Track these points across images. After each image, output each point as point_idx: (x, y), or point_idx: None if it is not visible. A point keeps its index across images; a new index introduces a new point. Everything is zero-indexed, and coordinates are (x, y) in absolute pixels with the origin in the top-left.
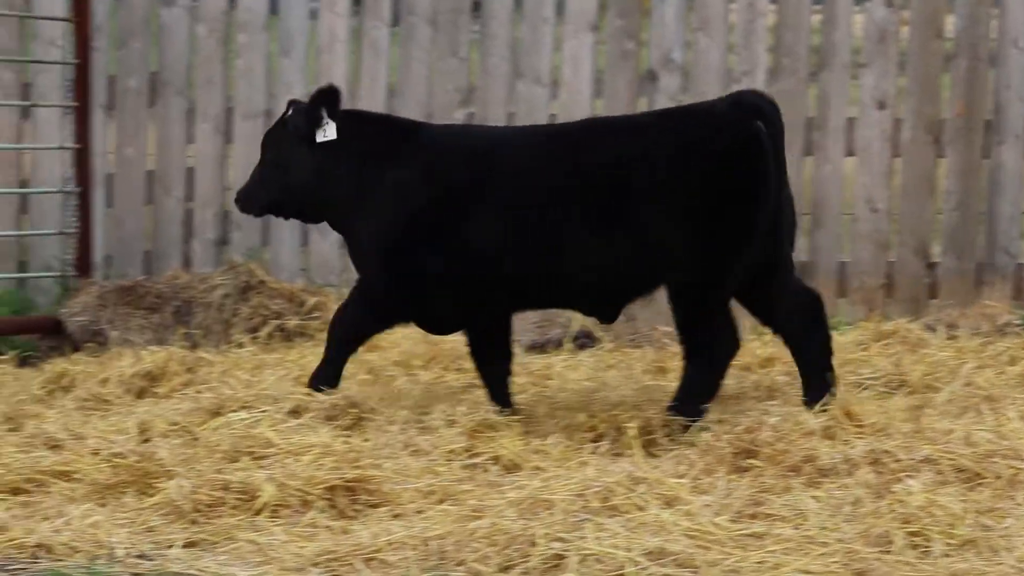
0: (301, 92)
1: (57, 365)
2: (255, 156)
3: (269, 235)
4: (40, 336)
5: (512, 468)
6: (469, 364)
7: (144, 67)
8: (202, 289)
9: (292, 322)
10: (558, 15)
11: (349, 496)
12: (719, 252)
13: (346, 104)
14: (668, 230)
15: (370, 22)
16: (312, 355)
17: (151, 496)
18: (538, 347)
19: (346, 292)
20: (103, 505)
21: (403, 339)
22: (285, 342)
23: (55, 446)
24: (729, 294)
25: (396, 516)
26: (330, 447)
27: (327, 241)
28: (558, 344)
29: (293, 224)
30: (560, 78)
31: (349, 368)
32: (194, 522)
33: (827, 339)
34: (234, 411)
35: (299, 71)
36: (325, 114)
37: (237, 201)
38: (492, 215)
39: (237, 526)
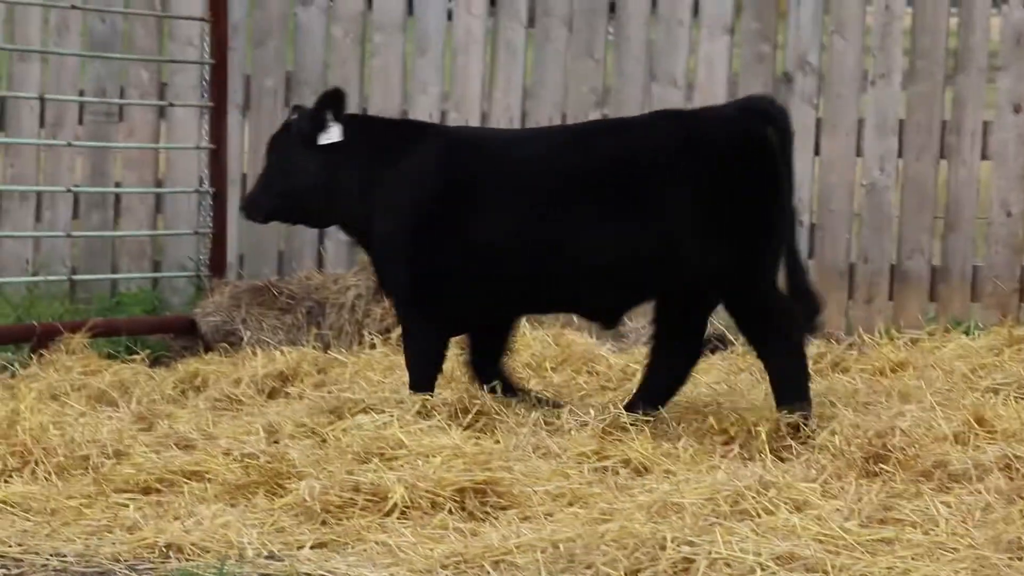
0: (437, 93)
1: (190, 365)
2: None
3: None
4: (173, 336)
5: (642, 471)
6: (600, 367)
7: (280, 67)
8: (335, 290)
9: None
10: (694, 17)
11: (479, 498)
12: (741, 253)
13: (483, 105)
14: (680, 234)
15: (506, 23)
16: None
17: (282, 497)
18: None
19: None
20: (234, 505)
21: (534, 341)
22: None
23: (187, 446)
24: (765, 286)
25: (525, 519)
26: (460, 449)
27: None
28: None
29: None
30: (695, 80)
31: None
32: (324, 523)
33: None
34: (365, 412)
35: (435, 71)
36: (330, 117)
37: (243, 208)
38: (500, 216)
39: (367, 527)
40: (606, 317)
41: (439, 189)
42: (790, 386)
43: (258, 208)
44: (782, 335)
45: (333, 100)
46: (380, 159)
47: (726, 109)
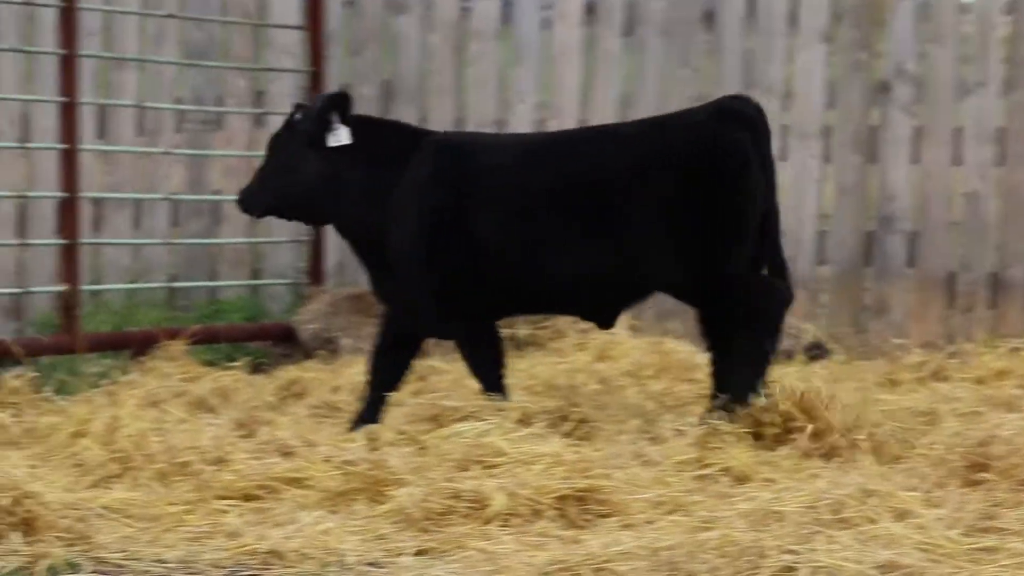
0: (533, 102)
1: (289, 372)
2: None
3: None
4: (273, 343)
5: (742, 479)
6: (699, 375)
7: (377, 75)
8: None
9: (523, 331)
10: (791, 26)
11: (579, 506)
12: (711, 254)
13: (580, 114)
14: (654, 237)
15: (603, 32)
16: (542, 364)
17: (382, 504)
18: None
19: None
20: (334, 512)
21: (633, 349)
22: (515, 351)
23: (287, 453)
24: (739, 288)
25: (626, 526)
26: (561, 456)
27: None
28: (789, 355)
29: None
30: (792, 89)
31: (579, 377)
32: (425, 530)
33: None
34: (463, 419)
35: (531, 80)
36: (336, 119)
37: (239, 202)
38: (492, 218)
39: (467, 534)
40: (599, 319)
41: (443, 194)
42: (743, 381)
43: (256, 203)
44: (753, 338)
45: (339, 102)
46: (385, 162)
47: (697, 114)
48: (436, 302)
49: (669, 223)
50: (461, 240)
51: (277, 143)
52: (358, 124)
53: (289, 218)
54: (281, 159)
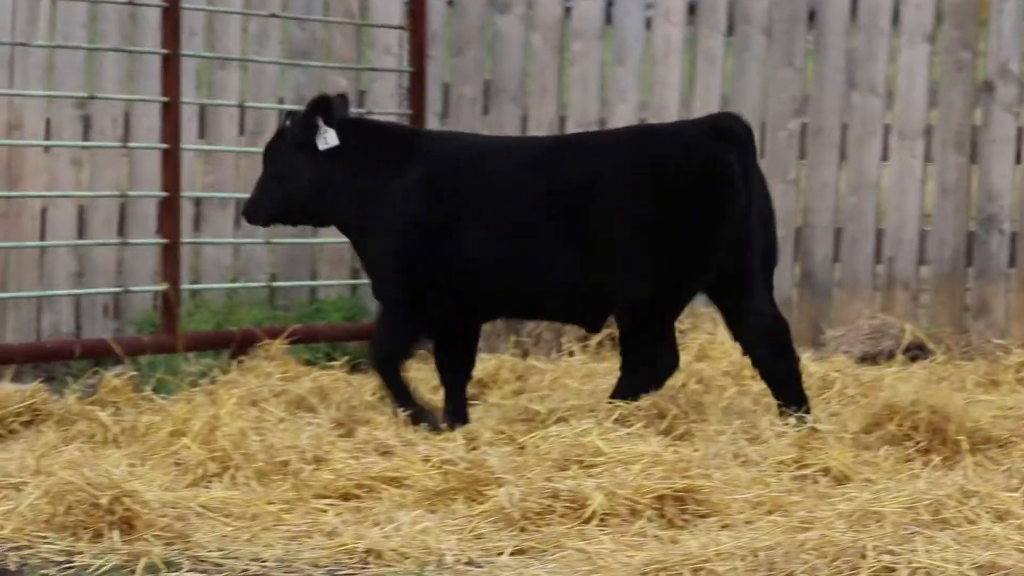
0: (635, 101)
1: None
2: None
3: None
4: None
5: (842, 480)
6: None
7: (479, 75)
8: None
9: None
10: (894, 25)
11: (678, 506)
12: (671, 271)
13: (681, 114)
14: (631, 247)
15: (705, 31)
16: None
17: (481, 503)
18: (870, 358)
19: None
20: (433, 512)
21: (733, 349)
22: (615, 351)
23: (386, 452)
24: (675, 313)
25: (725, 526)
26: (659, 456)
27: None
28: (890, 356)
29: None
30: (895, 88)
31: (679, 378)
32: (523, 530)
33: (792, 365)
34: (561, 419)
35: (633, 80)
36: (321, 122)
37: (244, 214)
38: (479, 224)
39: (566, 534)
40: (586, 324)
41: (428, 196)
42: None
43: (259, 213)
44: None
45: (321, 106)
46: (373, 163)
47: (690, 128)
48: (411, 306)
49: (644, 231)
50: (446, 243)
51: (271, 152)
52: (350, 127)
53: (294, 223)
54: (277, 167)
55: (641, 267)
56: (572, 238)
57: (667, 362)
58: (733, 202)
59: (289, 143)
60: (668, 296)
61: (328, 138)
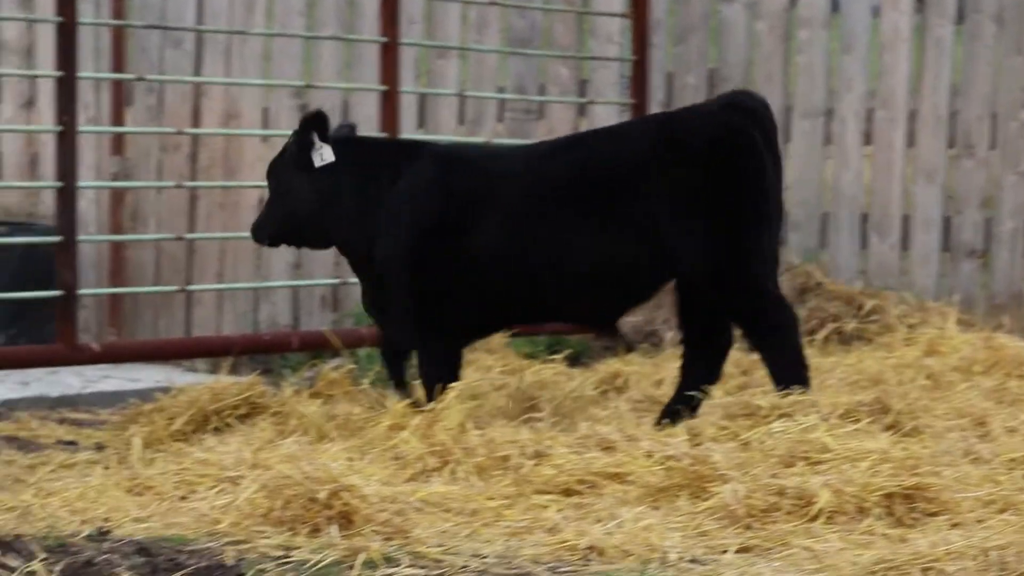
0: (862, 91)
1: (611, 365)
2: (813, 155)
3: (827, 237)
4: (594, 336)
5: None
6: None
7: (702, 64)
8: None
9: (850, 325)
10: None
11: (907, 504)
12: (729, 251)
13: (910, 103)
14: (664, 238)
15: (934, 20)
16: (870, 359)
17: (705, 500)
18: None
19: (906, 296)
20: (656, 508)
21: (963, 344)
22: (842, 345)
23: (608, 447)
24: (762, 277)
25: (955, 525)
26: (888, 453)
27: (886, 243)
28: None
29: (852, 225)
30: None
31: (908, 373)
32: (748, 527)
33: (797, 348)
34: (784, 415)
35: (860, 69)
36: (316, 139)
37: (251, 232)
38: (494, 231)
39: (792, 532)
40: (602, 324)
41: (435, 209)
42: (789, 373)
43: (263, 232)
44: (779, 332)
45: (315, 122)
46: (375, 179)
47: (709, 106)
48: (420, 316)
49: (676, 221)
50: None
51: (274, 171)
52: (349, 144)
53: (297, 244)
54: (280, 186)
55: (698, 246)
56: (606, 232)
57: (722, 341)
58: (765, 169)
59: (288, 161)
60: (741, 261)
61: (324, 154)
